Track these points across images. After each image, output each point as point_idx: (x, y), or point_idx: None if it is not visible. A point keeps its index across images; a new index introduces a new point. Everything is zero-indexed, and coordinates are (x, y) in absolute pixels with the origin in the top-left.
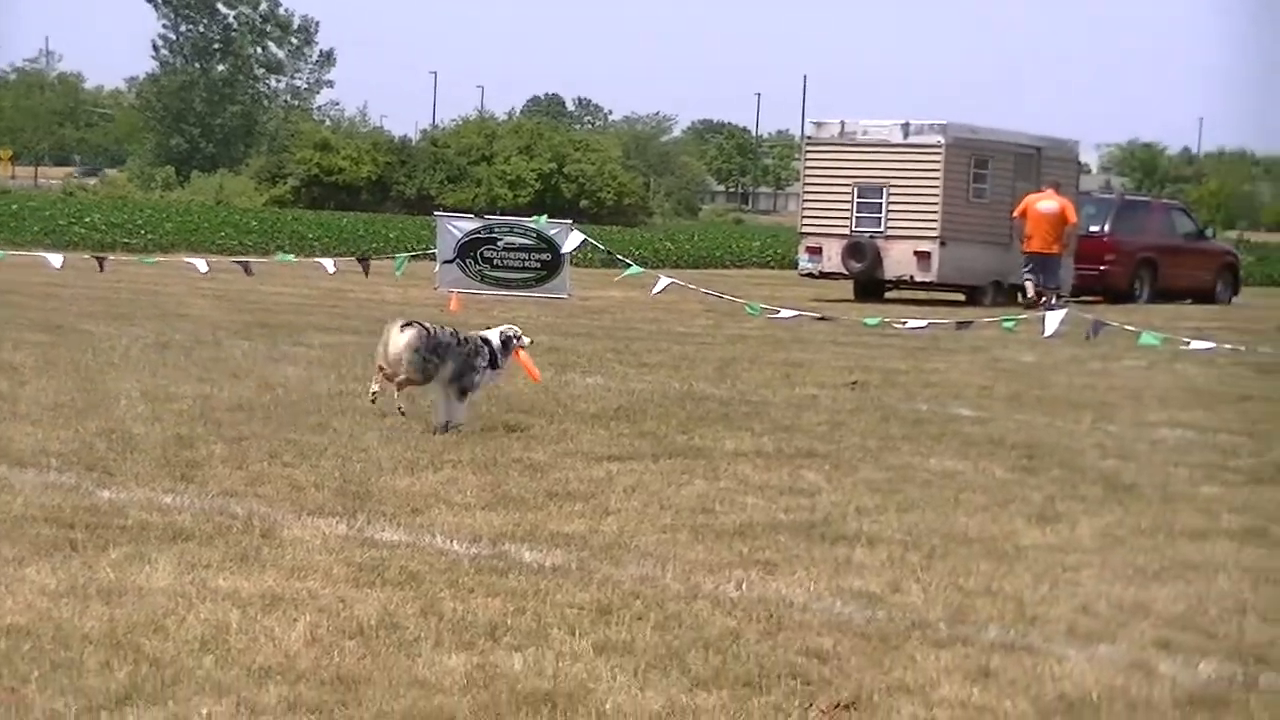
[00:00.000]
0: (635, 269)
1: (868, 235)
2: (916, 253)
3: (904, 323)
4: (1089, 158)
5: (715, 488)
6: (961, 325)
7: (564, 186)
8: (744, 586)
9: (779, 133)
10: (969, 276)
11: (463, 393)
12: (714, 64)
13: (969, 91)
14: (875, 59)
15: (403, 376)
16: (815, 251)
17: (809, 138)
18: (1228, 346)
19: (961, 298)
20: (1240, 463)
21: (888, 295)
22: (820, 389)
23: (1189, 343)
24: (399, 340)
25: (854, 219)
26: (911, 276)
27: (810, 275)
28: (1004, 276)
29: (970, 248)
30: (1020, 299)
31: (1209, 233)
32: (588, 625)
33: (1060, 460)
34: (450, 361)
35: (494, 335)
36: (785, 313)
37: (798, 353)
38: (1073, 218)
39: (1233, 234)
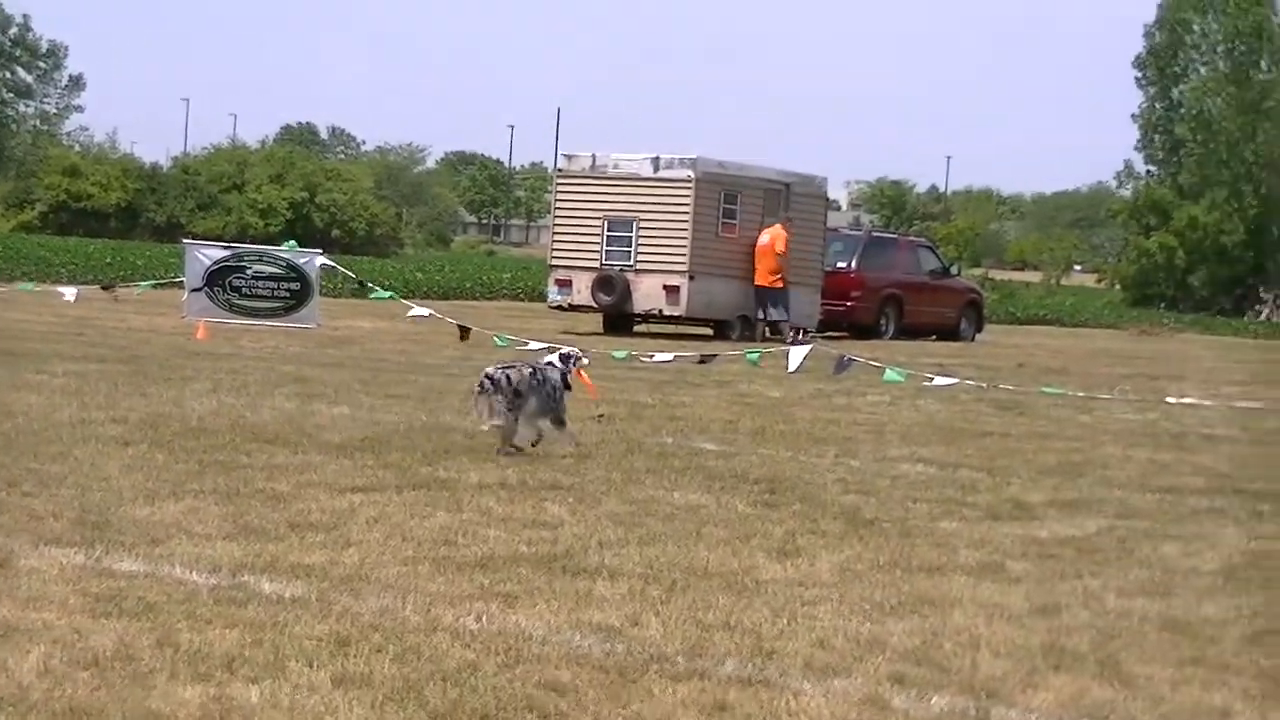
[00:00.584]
0: (383, 293)
1: (617, 268)
2: (665, 286)
3: (651, 356)
4: (838, 194)
5: (458, 520)
6: (706, 358)
7: (316, 215)
8: (484, 619)
9: (532, 165)
10: (717, 311)
11: (559, 423)
12: (467, 95)
13: (722, 127)
14: (629, 93)
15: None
16: (565, 284)
17: (560, 170)
18: (970, 382)
19: (709, 332)
20: (978, 498)
21: (636, 329)
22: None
23: (932, 379)
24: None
25: (604, 252)
26: (660, 310)
27: (560, 308)
28: (752, 311)
29: (718, 282)
30: (768, 334)
31: (954, 270)
32: (326, 657)
33: (802, 495)
34: (533, 398)
35: (556, 359)
36: (534, 345)
37: None
38: (780, 248)
39: (978, 271)
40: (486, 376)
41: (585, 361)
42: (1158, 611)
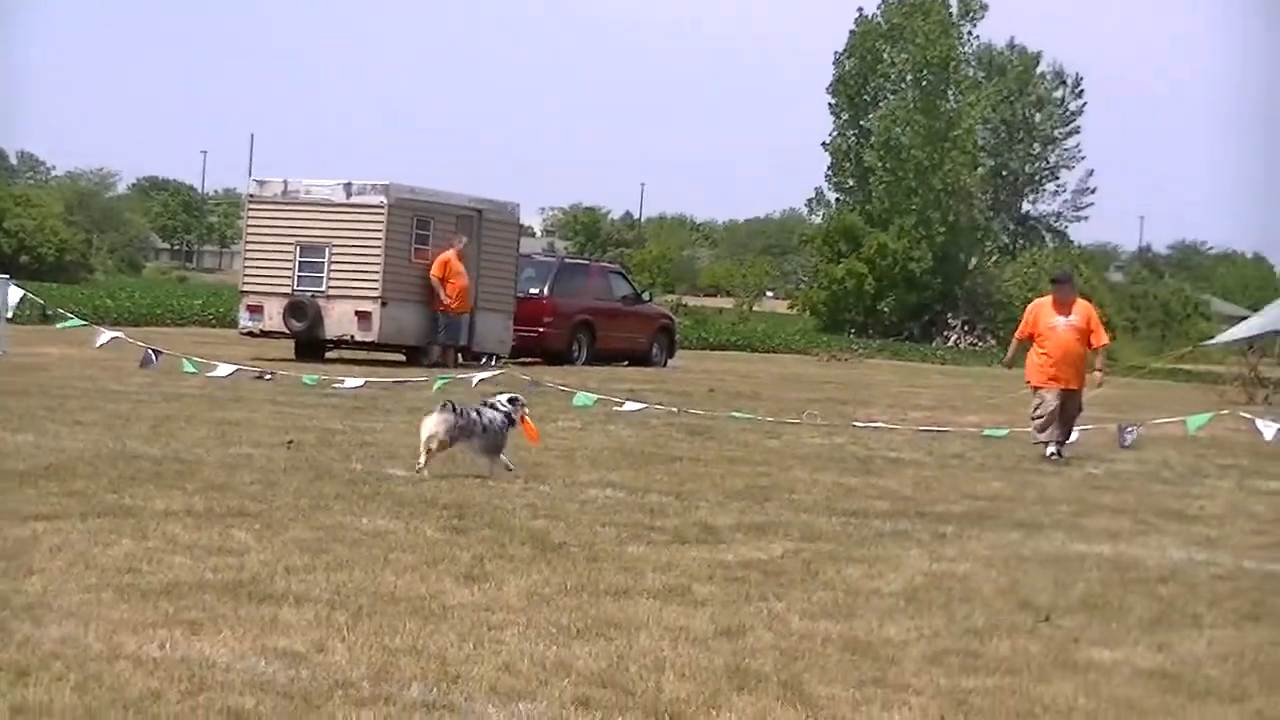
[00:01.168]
0: (74, 321)
1: (309, 294)
2: (358, 313)
3: (342, 381)
4: (533, 221)
5: (143, 547)
6: (399, 383)
7: (3, 241)
8: (167, 646)
9: (225, 191)
10: (410, 337)
11: (497, 451)
12: (159, 120)
13: (418, 154)
14: (322, 119)
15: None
16: (256, 310)
17: (251, 196)
18: (660, 407)
19: (403, 358)
20: (666, 522)
21: (329, 355)
22: (255, 448)
23: (623, 404)
24: (429, 424)
25: (296, 278)
26: (352, 336)
27: (251, 334)
28: None
29: (411, 308)
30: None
31: (647, 296)
32: (5, 687)
33: (490, 520)
34: (477, 439)
35: (503, 401)
36: (223, 369)
37: (235, 411)
38: (436, 271)
39: (671, 298)
40: (450, 407)
41: (527, 411)
42: (840, 633)
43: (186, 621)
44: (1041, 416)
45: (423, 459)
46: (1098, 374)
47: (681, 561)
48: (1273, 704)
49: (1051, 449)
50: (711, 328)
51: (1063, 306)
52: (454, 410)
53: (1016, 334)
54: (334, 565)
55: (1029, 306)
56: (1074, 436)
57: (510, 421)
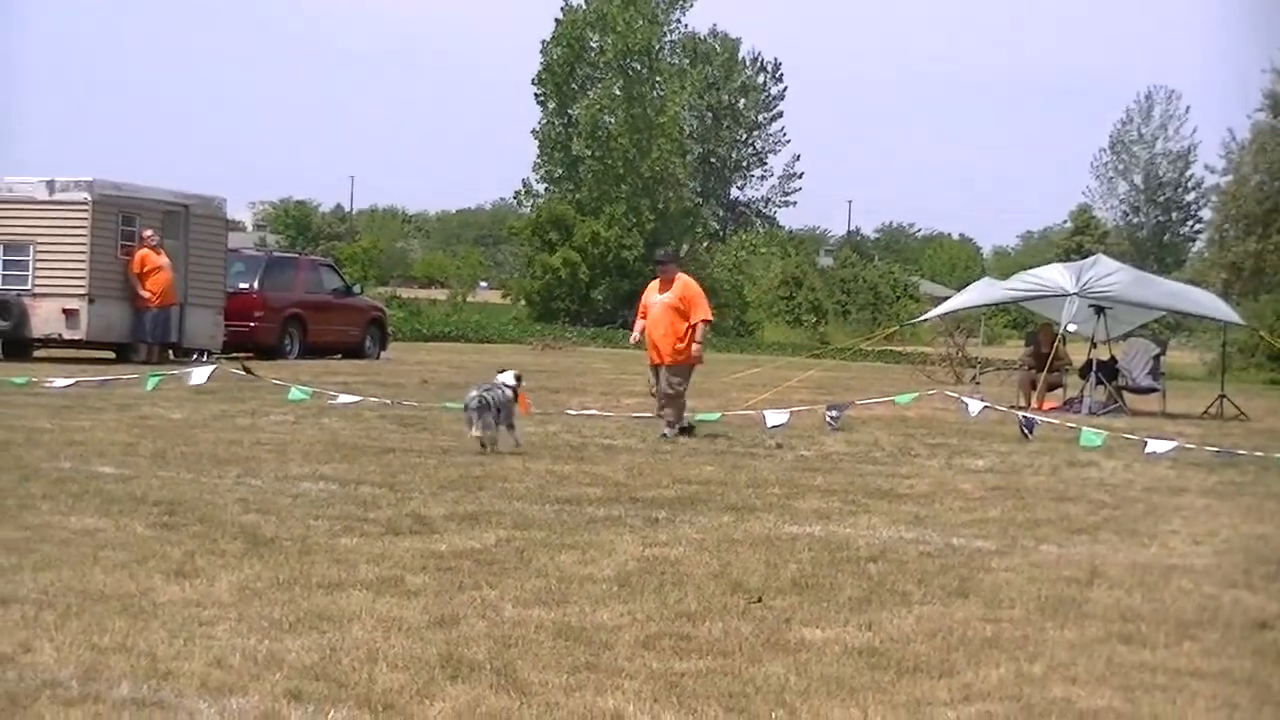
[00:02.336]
0: None
1: (14, 293)
2: (65, 310)
3: (51, 381)
4: (243, 215)
5: None
6: (105, 382)
7: None
8: None
9: None
10: (119, 334)
11: (511, 427)
12: None
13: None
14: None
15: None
16: None
17: None
18: (374, 400)
19: (112, 355)
20: (379, 514)
21: (36, 354)
22: None
23: (336, 397)
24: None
25: (0, 276)
26: (60, 334)
27: None
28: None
29: (119, 305)
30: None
31: (358, 289)
32: None
33: (202, 516)
34: (504, 411)
35: (511, 378)
36: None
37: None
38: (134, 267)
39: (385, 290)
40: (480, 400)
41: (523, 384)
42: (553, 619)
43: None
44: (654, 395)
45: (477, 431)
46: (696, 346)
47: (394, 553)
48: (980, 677)
49: (664, 429)
50: (425, 319)
51: (665, 285)
52: (482, 388)
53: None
54: (41, 565)
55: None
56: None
57: (515, 396)
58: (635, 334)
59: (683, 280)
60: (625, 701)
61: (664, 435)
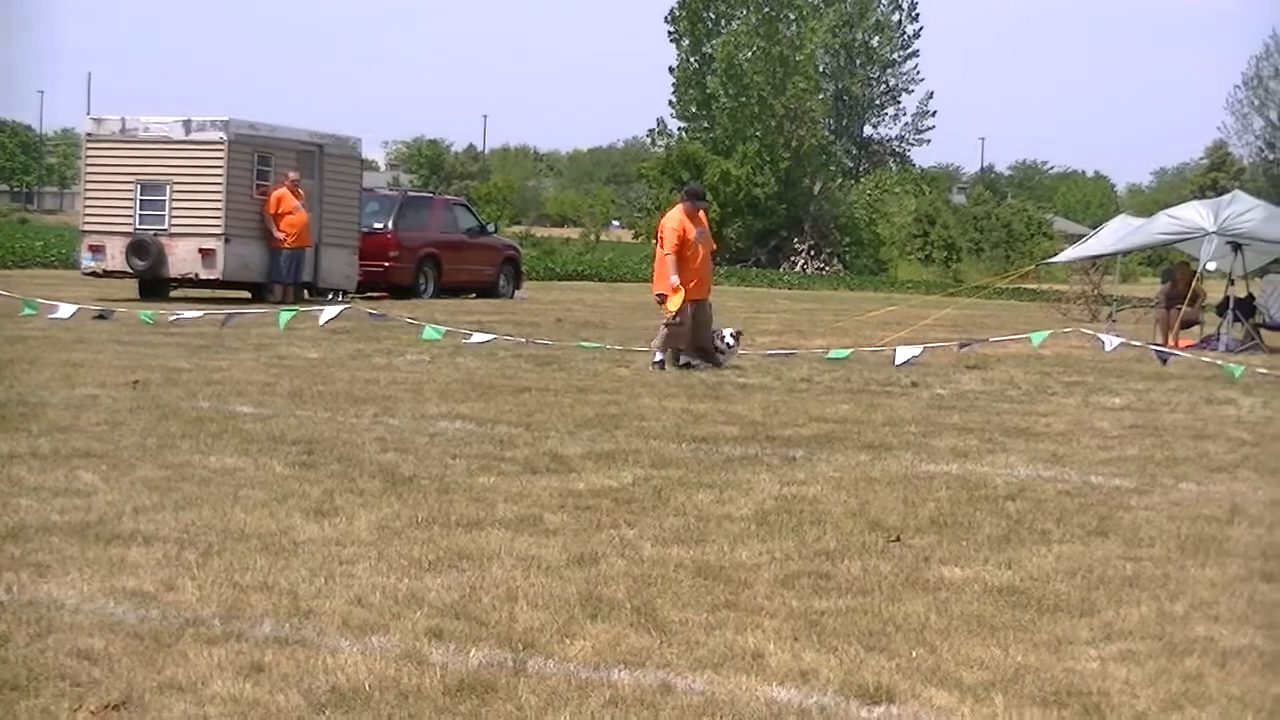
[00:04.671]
0: None
1: (151, 233)
2: (201, 250)
3: (179, 315)
4: (377, 155)
5: None
6: (230, 318)
7: None
8: (14, 590)
9: (63, 130)
10: (254, 273)
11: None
12: None
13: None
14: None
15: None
16: (98, 250)
17: (89, 134)
18: (508, 339)
19: (248, 295)
20: (516, 453)
21: (173, 294)
22: (101, 389)
23: (470, 335)
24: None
25: (137, 216)
26: (196, 274)
27: (94, 274)
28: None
29: (254, 244)
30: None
31: (491, 228)
32: None
33: (340, 455)
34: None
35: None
36: (65, 309)
37: (79, 353)
38: (269, 207)
39: (518, 229)
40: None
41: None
42: (692, 558)
43: (34, 564)
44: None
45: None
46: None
47: (532, 491)
48: (1120, 616)
49: (659, 357)
50: (558, 258)
51: (698, 220)
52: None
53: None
54: (182, 504)
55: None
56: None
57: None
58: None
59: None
60: (765, 640)
61: (657, 364)
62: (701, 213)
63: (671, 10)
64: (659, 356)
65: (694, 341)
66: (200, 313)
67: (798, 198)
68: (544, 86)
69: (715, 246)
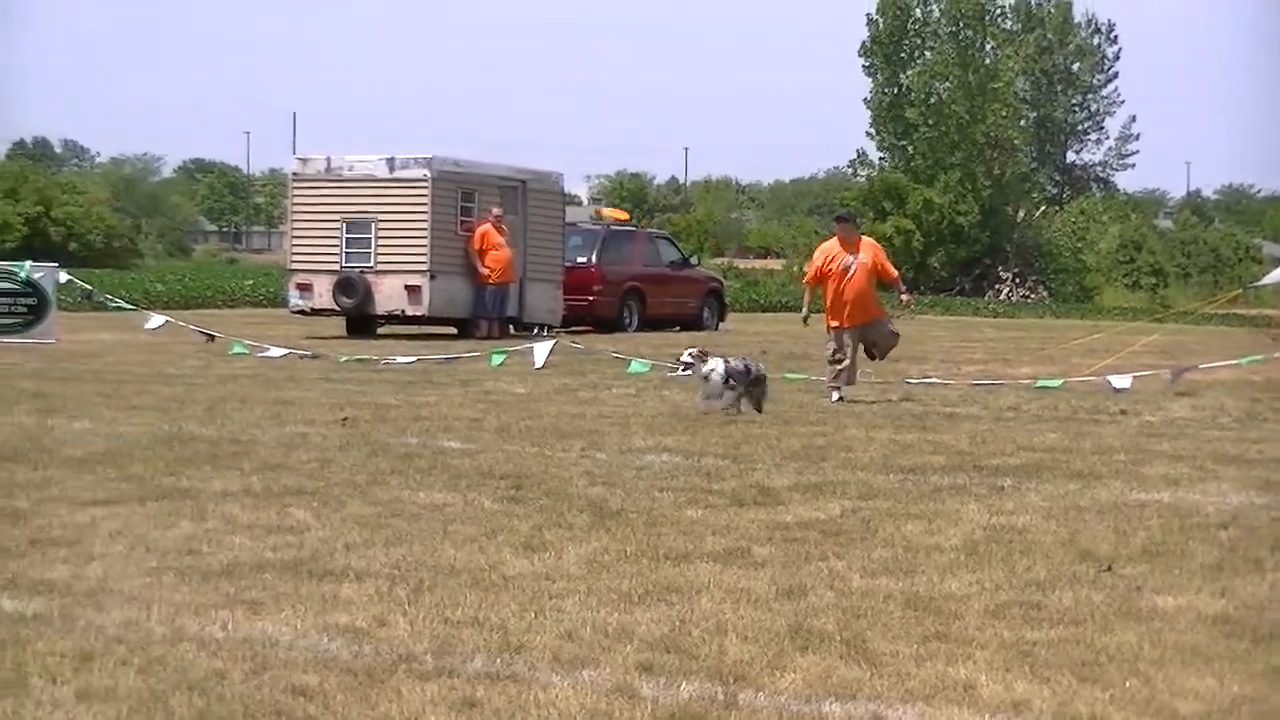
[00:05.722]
0: (124, 305)
1: (358, 270)
2: (407, 287)
3: (393, 358)
4: (579, 189)
5: (202, 529)
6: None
7: (51, 230)
8: (229, 627)
9: (270, 170)
10: (460, 309)
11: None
12: (201, 103)
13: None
14: (363, 97)
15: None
16: (306, 288)
17: (295, 174)
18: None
19: (454, 331)
20: (724, 485)
21: (380, 330)
22: (310, 426)
23: (675, 369)
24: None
25: (343, 254)
26: (402, 310)
27: (301, 312)
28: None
29: (460, 280)
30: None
31: (694, 260)
32: (69, 673)
33: (548, 489)
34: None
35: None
36: (275, 351)
37: (289, 391)
38: (474, 243)
39: (721, 261)
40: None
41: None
42: (901, 589)
43: (248, 601)
44: (836, 361)
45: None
46: (909, 296)
47: (740, 524)
48: None
49: (835, 396)
50: (761, 289)
51: (851, 246)
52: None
53: (807, 280)
54: (393, 540)
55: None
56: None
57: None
58: (807, 305)
59: (867, 239)
60: (977, 671)
61: (841, 398)
62: (863, 239)
63: (864, 43)
64: (835, 396)
65: (873, 351)
66: (413, 358)
67: (1000, 225)
68: (744, 119)
69: (894, 273)
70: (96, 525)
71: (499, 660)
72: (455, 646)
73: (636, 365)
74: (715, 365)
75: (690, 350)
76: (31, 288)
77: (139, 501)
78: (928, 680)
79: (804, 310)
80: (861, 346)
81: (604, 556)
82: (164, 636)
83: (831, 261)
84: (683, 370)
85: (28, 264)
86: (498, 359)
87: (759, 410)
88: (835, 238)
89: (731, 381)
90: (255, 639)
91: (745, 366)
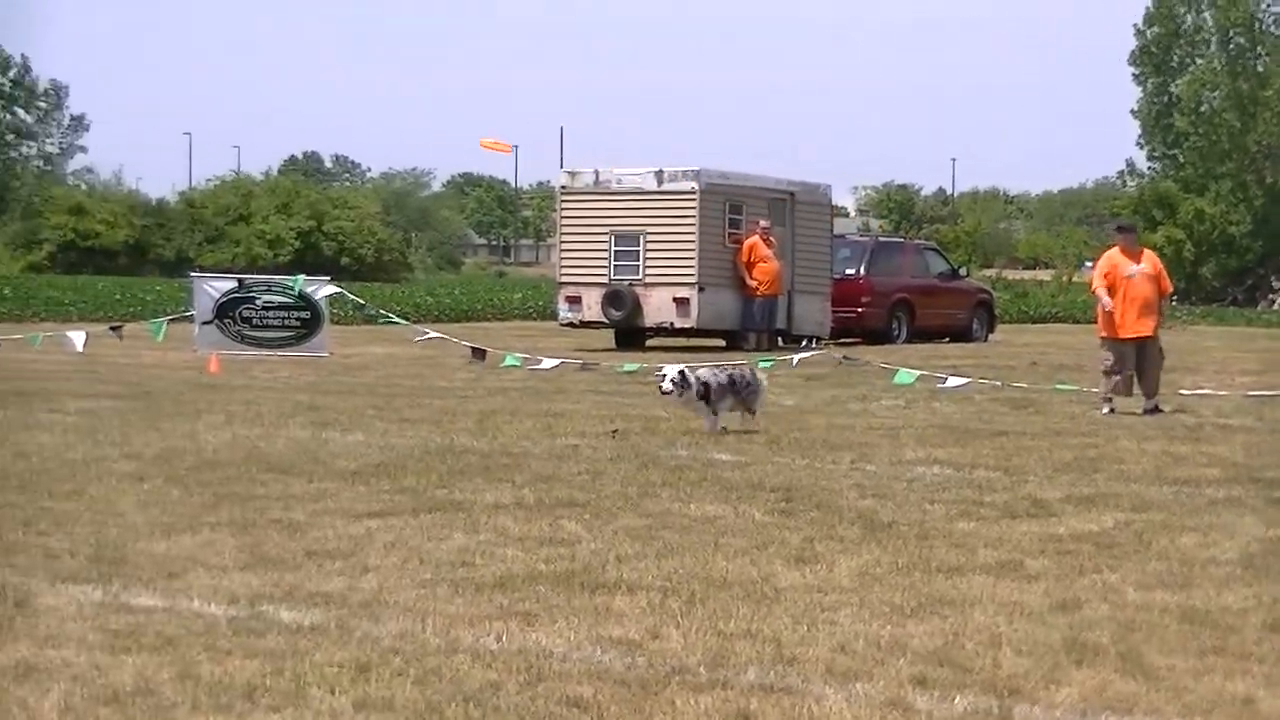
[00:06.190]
0: (394, 320)
1: (626, 283)
2: (675, 299)
3: (661, 369)
4: (845, 200)
5: (475, 541)
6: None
7: (323, 244)
8: (504, 638)
9: (538, 184)
10: (728, 321)
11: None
12: (471, 118)
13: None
14: (630, 109)
15: None
16: (575, 301)
17: (564, 187)
18: (984, 382)
19: (722, 343)
20: (995, 497)
21: (649, 343)
22: (581, 438)
23: (945, 380)
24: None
25: (612, 267)
26: (671, 323)
27: (570, 325)
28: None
29: (728, 293)
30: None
31: (963, 272)
32: (347, 683)
33: (819, 501)
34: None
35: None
36: (546, 363)
37: (559, 403)
38: (743, 256)
39: (989, 272)
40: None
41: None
42: (1177, 603)
43: (521, 613)
44: (1112, 372)
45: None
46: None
47: (1012, 536)
48: None
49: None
50: (1031, 301)
51: (1134, 255)
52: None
53: (1096, 287)
54: (664, 552)
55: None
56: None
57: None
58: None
59: (1148, 250)
60: (1256, 686)
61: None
62: (1147, 250)
63: (1133, 52)
64: (1106, 409)
65: (1145, 385)
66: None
67: (1274, 235)
68: (1011, 129)
69: (1170, 287)
70: (371, 537)
71: (772, 672)
72: (728, 658)
73: (903, 376)
74: (697, 383)
75: (670, 374)
76: (304, 301)
77: (412, 513)
78: (1205, 695)
79: (1104, 302)
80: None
81: (876, 569)
82: (439, 648)
83: (1116, 270)
84: (665, 394)
85: (300, 278)
86: (764, 363)
87: (751, 414)
88: (1116, 247)
89: (713, 396)
90: (529, 650)
91: (729, 378)
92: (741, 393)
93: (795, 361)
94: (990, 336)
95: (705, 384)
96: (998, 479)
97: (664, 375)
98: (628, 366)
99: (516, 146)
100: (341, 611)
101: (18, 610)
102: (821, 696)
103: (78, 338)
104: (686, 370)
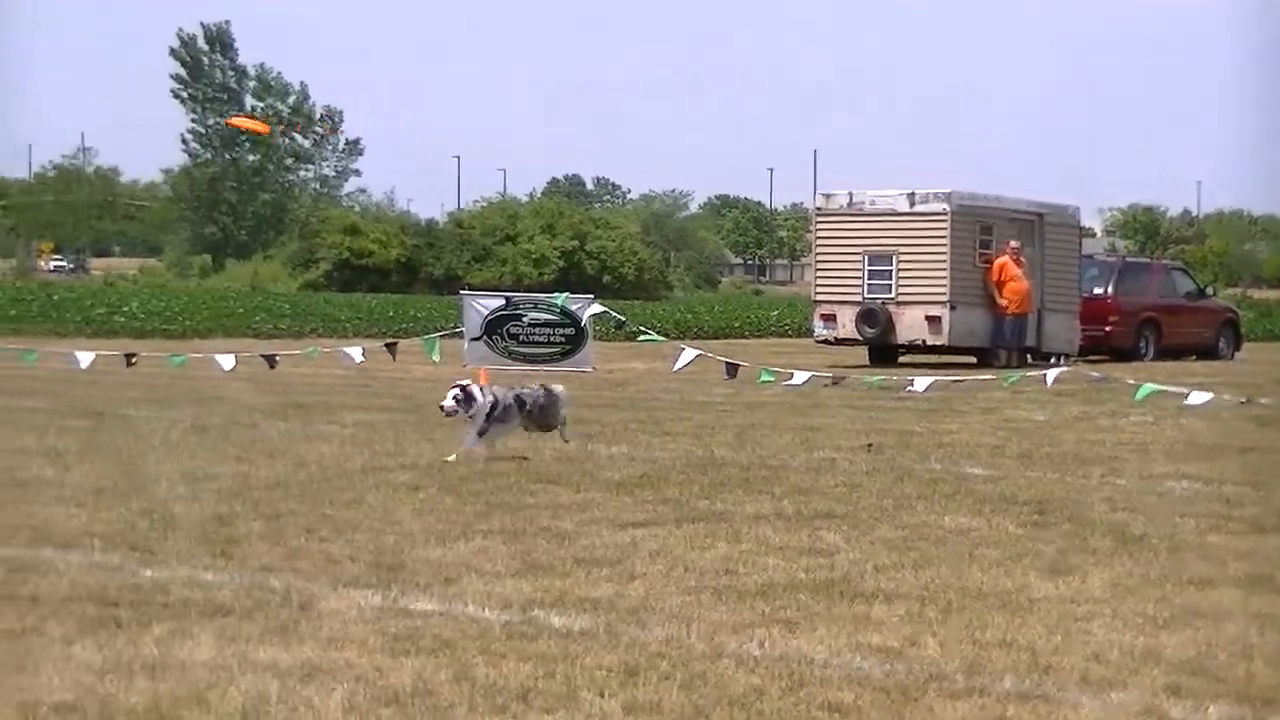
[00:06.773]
0: (654, 337)
1: (879, 301)
2: (927, 317)
3: (911, 382)
4: (1092, 222)
5: (737, 550)
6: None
7: (586, 263)
8: (766, 645)
9: (792, 206)
10: (979, 339)
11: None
12: (727, 142)
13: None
14: (881, 133)
15: None
16: (829, 318)
17: (819, 209)
18: (1228, 399)
19: (973, 360)
20: (1244, 512)
21: (901, 359)
22: (837, 452)
23: (1187, 395)
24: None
25: (865, 286)
26: (923, 340)
27: (825, 341)
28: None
29: (978, 311)
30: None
31: (1209, 291)
32: (616, 686)
33: (1070, 514)
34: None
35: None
36: (799, 376)
37: (814, 418)
38: (993, 275)
39: (1234, 292)
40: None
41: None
42: None
43: (783, 620)
44: None
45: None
46: None
47: (1263, 550)
48: None
49: None
50: (1277, 319)
51: None
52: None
53: None
54: (920, 563)
55: None
56: None
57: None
58: None
59: None
60: None
61: None
62: None
63: None
64: None
65: None
66: (929, 379)
67: None
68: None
69: None
70: (637, 546)
71: (1028, 680)
72: (985, 666)
73: (1145, 390)
74: (483, 402)
75: (454, 392)
76: (569, 318)
77: (676, 523)
78: None
79: None
80: None
81: (1128, 580)
82: (704, 653)
83: None
84: (448, 413)
85: (565, 295)
86: (1012, 378)
87: (551, 429)
88: None
89: (495, 414)
90: (791, 657)
91: (517, 397)
92: (534, 412)
93: (1049, 380)
94: (1236, 354)
95: (495, 400)
96: (1246, 493)
97: (478, 407)
98: (874, 379)
99: (771, 170)
100: (610, 617)
101: (302, 613)
102: (1077, 704)
103: (355, 352)
104: (472, 386)
